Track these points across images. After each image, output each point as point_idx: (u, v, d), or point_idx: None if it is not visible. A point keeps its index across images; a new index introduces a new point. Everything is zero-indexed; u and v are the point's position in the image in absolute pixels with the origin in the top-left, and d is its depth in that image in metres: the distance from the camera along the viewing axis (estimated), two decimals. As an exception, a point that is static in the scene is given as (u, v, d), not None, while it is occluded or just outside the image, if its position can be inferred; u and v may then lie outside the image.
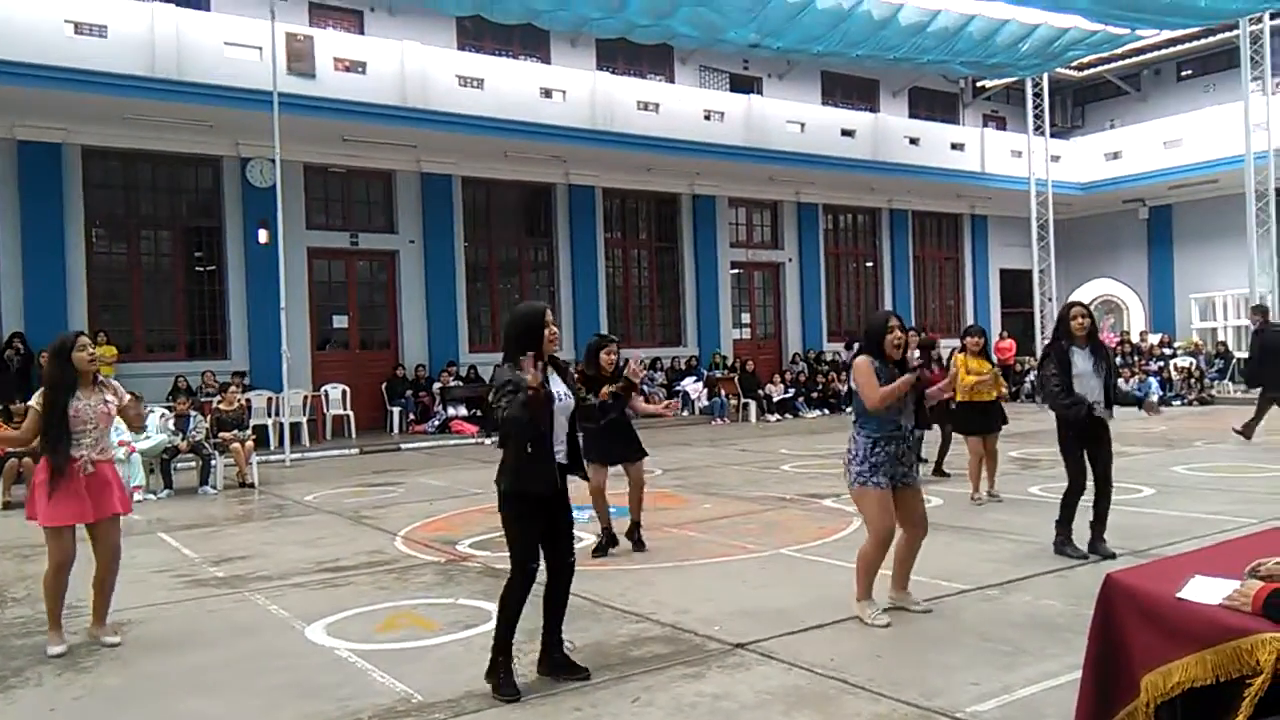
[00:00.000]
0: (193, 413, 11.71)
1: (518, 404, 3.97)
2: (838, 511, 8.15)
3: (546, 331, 4.18)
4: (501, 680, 4.08)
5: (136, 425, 5.67)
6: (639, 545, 6.93)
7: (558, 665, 4.27)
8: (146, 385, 14.31)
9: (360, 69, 15.89)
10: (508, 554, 4.22)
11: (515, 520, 4.16)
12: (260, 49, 14.32)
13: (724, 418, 19.01)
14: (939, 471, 10.01)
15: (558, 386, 4.24)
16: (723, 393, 19.54)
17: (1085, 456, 6.23)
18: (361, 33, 17.76)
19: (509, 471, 4.14)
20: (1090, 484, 6.26)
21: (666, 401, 10.28)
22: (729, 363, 20.87)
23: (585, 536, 6.60)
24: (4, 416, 10.51)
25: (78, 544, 5.04)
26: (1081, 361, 6.17)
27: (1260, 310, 13.72)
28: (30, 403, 5.20)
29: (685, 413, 19.35)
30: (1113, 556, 6.13)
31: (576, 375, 4.70)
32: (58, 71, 13.12)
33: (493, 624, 4.14)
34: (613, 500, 6.95)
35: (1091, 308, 6.76)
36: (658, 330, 21.53)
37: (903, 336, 4.95)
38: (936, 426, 9.60)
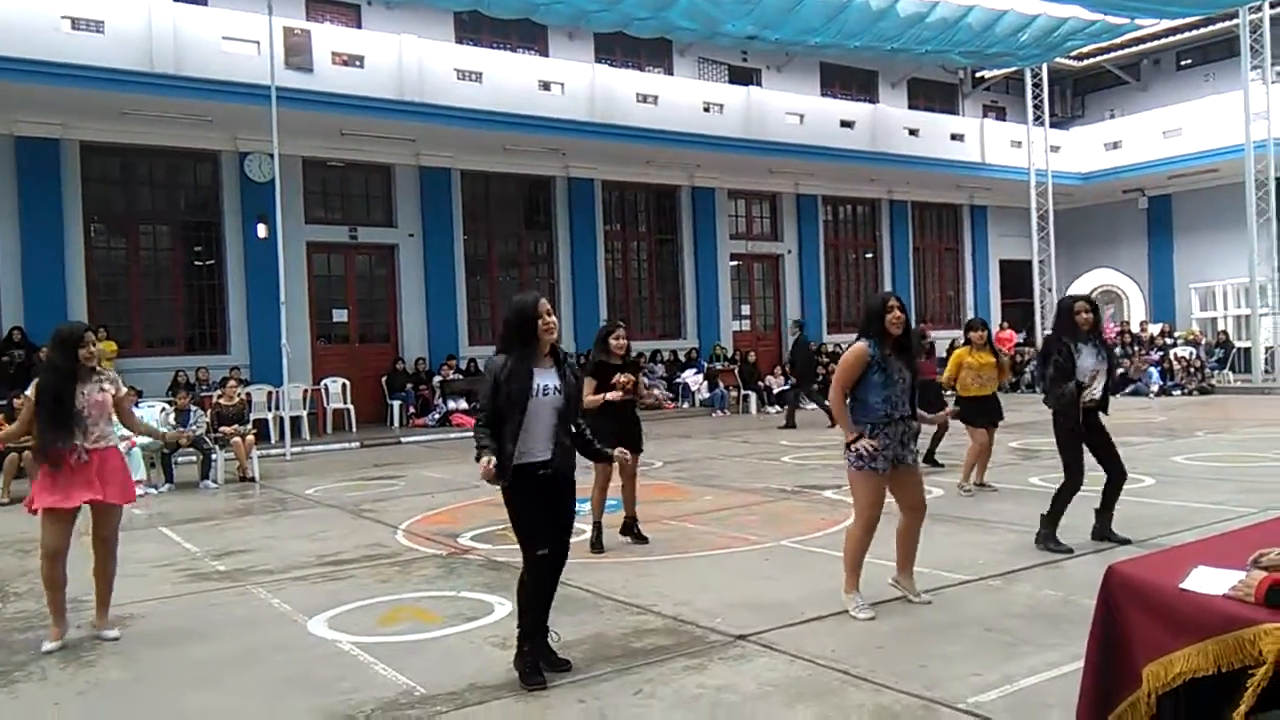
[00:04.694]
0: (193, 407, 11.73)
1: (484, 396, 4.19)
2: (839, 503, 8.15)
3: (540, 323, 4.18)
4: (527, 668, 4.09)
5: (126, 420, 5.44)
6: (639, 538, 6.92)
7: (540, 655, 4.17)
8: (146, 380, 14.33)
9: (358, 63, 15.88)
10: (509, 546, 4.22)
11: (512, 501, 4.24)
12: (258, 43, 14.29)
13: (724, 410, 19.01)
14: (930, 460, 9.95)
15: (549, 380, 4.21)
16: (723, 385, 19.55)
17: (1084, 452, 6.16)
18: (359, 26, 17.71)
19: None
20: (1094, 476, 6.23)
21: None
22: (729, 355, 20.88)
23: (584, 529, 6.59)
24: (5, 414, 10.48)
25: (75, 536, 5.03)
26: (1087, 356, 6.10)
27: None
28: (26, 393, 5.18)
29: (685, 405, 19.36)
30: (1127, 542, 6.13)
31: (584, 364, 4.68)
32: (55, 67, 13.09)
33: (495, 616, 4.16)
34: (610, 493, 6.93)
35: (1093, 298, 6.65)
36: (658, 322, 21.51)
37: (901, 315, 4.95)
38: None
